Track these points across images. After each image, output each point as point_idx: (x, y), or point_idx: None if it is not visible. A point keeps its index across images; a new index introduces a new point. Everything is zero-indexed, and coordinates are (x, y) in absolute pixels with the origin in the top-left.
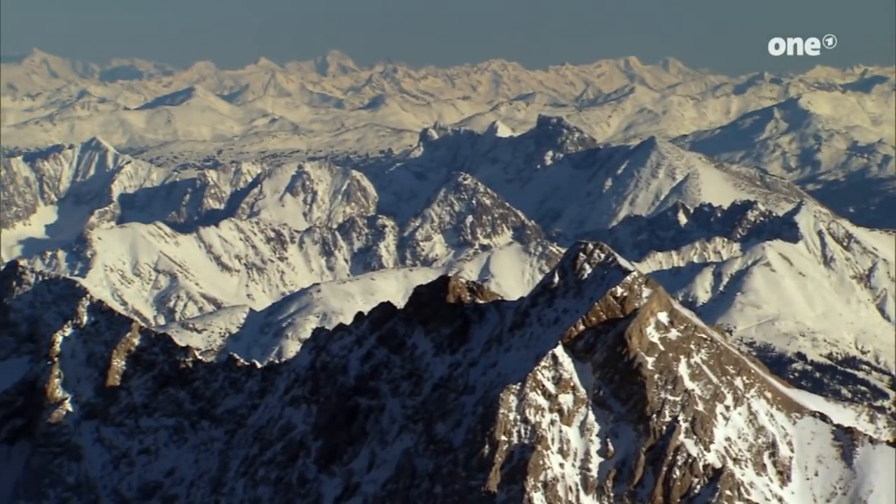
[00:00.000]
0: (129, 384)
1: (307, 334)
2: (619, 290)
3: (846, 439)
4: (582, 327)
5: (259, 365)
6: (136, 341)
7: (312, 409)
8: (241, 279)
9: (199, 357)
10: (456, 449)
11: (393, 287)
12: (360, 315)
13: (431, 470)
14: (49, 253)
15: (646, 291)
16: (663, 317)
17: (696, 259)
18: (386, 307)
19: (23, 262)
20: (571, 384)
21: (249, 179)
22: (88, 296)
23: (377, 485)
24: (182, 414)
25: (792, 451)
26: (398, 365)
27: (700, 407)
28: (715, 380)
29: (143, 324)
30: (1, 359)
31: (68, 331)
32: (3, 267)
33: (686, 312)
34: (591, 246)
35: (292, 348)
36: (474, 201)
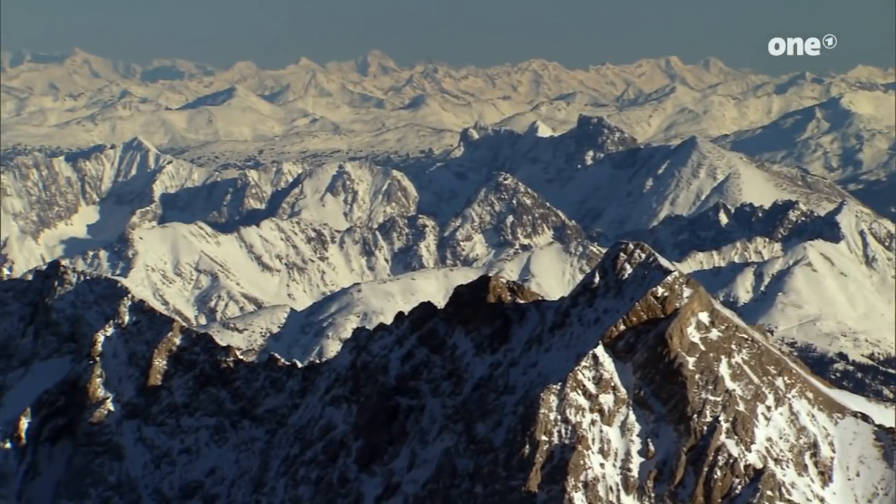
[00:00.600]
0: (170, 384)
1: (348, 334)
2: (660, 290)
3: (888, 440)
4: (622, 327)
5: (300, 365)
6: (178, 341)
7: (353, 409)
8: (281, 279)
9: (240, 357)
10: (496, 449)
11: (433, 287)
12: (400, 315)
13: (472, 470)
14: (91, 253)
15: (686, 291)
16: (704, 317)
17: (737, 259)
18: (426, 307)
19: (65, 262)
20: (612, 384)
21: (290, 179)
22: (130, 295)
23: (417, 485)
24: (223, 413)
25: (833, 451)
26: (438, 365)
27: (741, 407)
28: (756, 380)
29: (184, 323)
30: (43, 358)
31: (110, 330)
32: (45, 267)
33: (727, 312)
34: (631, 246)
35: (333, 348)
36: (515, 201)
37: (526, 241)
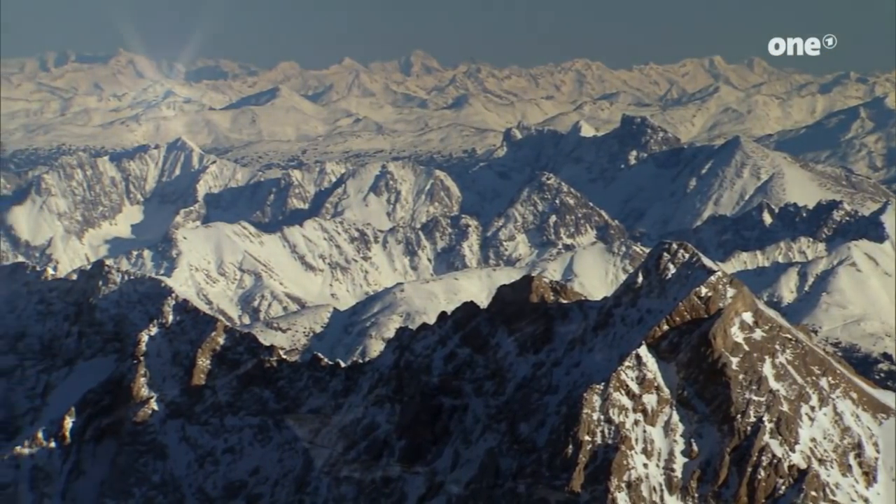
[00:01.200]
0: (213, 383)
1: (391, 334)
2: (704, 290)
3: None
4: (666, 327)
5: (343, 364)
6: (221, 341)
7: (396, 409)
8: (325, 279)
9: (284, 356)
10: (539, 449)
11: (476, 287)
12: (443, 315)
13: (515, 470)
14: (135, 252)
15: (730, 291)
16: (748, 317)
17: (780, 259)
18: (469, 307)
19: (109, 262)
20: (655, 384)
21: (333, 179)
22: (174, 295)
23: (460, 484)
24: (266, 413)
25: (878, 451)
26: (481, 365)
27: (785, 407)
28: (800, 380)
29: (227, 323)
30: (87, 358)
31: (154, 330)
32: (89, 266)
33: (771, 313)
34: (675, 246)
35: (376, 348)
36: (558, 201)
37: (569, 241)
